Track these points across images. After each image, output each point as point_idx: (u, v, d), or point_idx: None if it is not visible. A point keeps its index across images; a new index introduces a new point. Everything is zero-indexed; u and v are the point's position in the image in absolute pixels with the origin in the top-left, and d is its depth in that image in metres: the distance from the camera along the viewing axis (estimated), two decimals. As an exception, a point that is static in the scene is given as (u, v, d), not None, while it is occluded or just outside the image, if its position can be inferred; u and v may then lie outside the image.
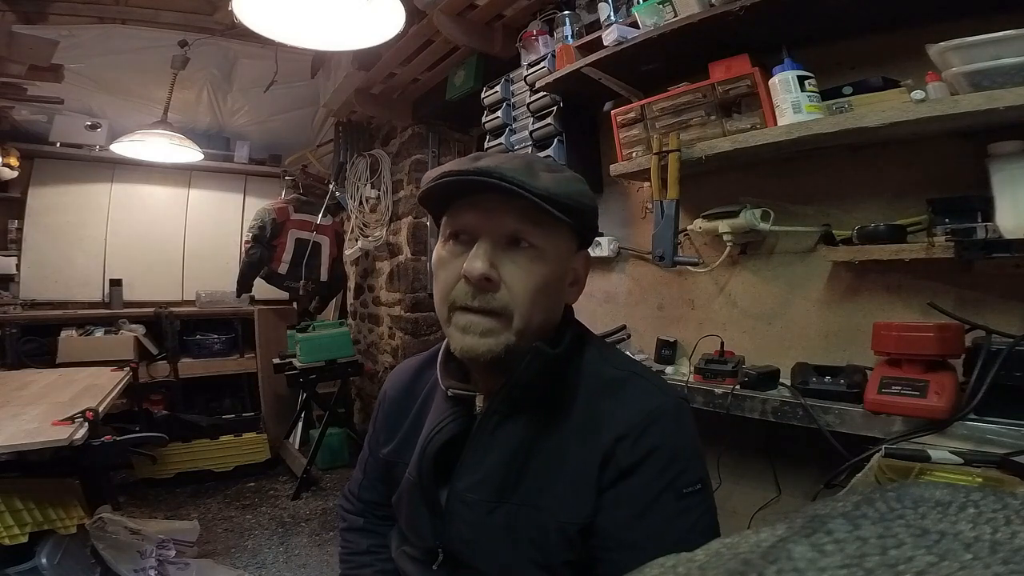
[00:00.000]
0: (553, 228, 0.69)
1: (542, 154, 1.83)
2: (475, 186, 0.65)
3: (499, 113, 2.07)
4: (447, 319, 0.71)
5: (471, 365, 0.74)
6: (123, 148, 3.09)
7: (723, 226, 1.43)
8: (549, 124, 1.85)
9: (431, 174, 0.70)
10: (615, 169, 1.60)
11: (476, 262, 0.65)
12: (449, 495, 0.71)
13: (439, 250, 0.72)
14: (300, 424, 3.64)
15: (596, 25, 1.64)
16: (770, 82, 1.26)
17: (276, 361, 3.32)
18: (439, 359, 0.80)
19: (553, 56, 1.75)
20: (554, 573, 0.66)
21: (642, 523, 0.64)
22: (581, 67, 1.58)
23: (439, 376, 0.77)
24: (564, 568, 0.66)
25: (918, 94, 1.06)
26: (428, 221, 3.09)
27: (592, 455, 0.66)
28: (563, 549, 0.65)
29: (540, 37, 1.88)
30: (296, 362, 3.13)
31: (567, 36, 1.76)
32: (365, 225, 3.38)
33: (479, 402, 0.74)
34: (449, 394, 0.74)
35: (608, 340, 1.64)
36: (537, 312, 0.69)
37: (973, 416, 0.96)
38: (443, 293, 0.70)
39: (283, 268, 3.47)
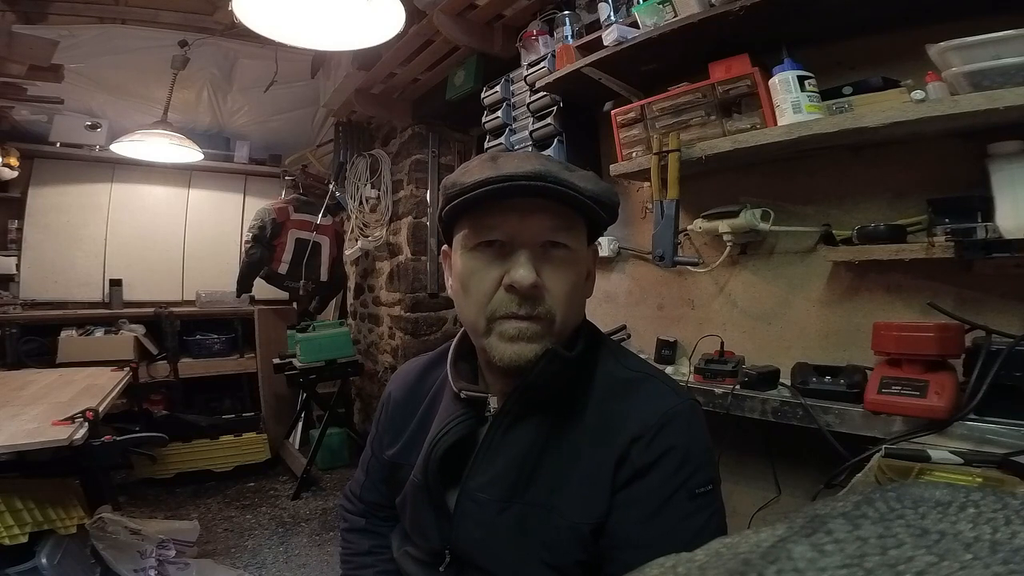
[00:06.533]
0: (580, 227, 0.69)
1: (543, 154, 1.83)
2: (523, 191, 0.63)
3: (499, 113, 2.07)
4: (485, 330, 0.68)
5: (499, 370, 0.71)
6: (123, 148, 3.08)
7: (723, 226, 1.43)
8: (549, 124, 1.85)
9: (461, 181, 0.66)
10: (615, 169, 1.60)
11: (522, 271, 0.64)
12: (460, 494, 0.71)
13: (466, 260, 0.69)
14: (300, 424, 3.64)
15: (596, 25, 1.63)
16: (770, 82, 1.26)
17: (276, 361, 3.32)
18: (449, 360, 0.79)
19: (553, 56, 1.75)
20: (564, 573, 0.66)
21: (654, 523, 0.64)
22: (581, 67, 1.57)
23: (450, 378, 0.76)
24: (575, 568, 0.66)
25: (918, 94, 1.06)
26: (428, 221, 3.09)
27: (607, 456, 0.66)
28: (575, 549, 0.65)
29: (540, 37, 1.88)
30: (296, 362, 3.13)
31: (567, 36, 1.76)
32: (365, 225, 3.38)
33: (493, 403, 0.73)
34: (462, 396, 0.73)
35: (608, 340, 1.64)
36: (572, 312, 0.70)
37: (973, 416, 0.96)
38: (480, 304, 0.68)
39: (283, 268, 3.47)
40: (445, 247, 0.77)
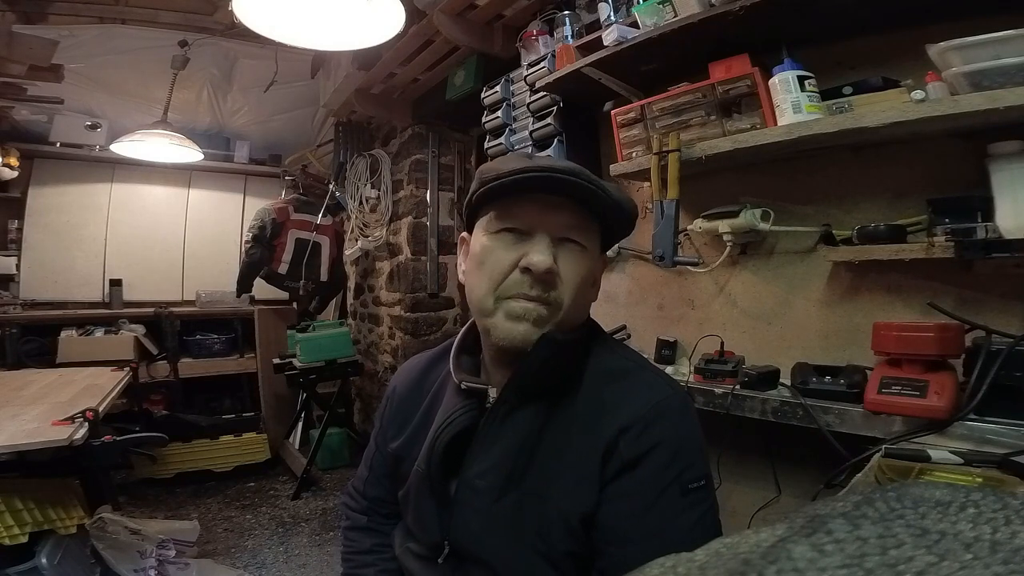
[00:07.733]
0: (594, 230, 0.72)
1: (541, 154, 1.84)
2: (559, 183, 0.66)
3: (499, 113, 2.07)
4: (492, 309, 0.70)
5: (496, 357, 0.74)
6: (123, 148, 3.08)
7: (723, 226, 1.43)
8: (549, 124, 1.85)
9: (499, 168, 0.70)
10: (615, 169, 1.60)
11: (540, 256, 0.67)
12: (459, 483, 0.72)
13: (486, 242, 0.71)
14: (300, 424, 3.64)
15: (596, 25, 1.64)
16: (770, 82, 1.26)
17: (276, 361, 3.32)
18: (452, 354, 0.80)
19: (553, 56, 1.75)
20: (556, 564, 0.66)
21: (646, 518, 0.63)
22: (581, 67, 1.58)
23: (451, 370, 0.78)
24: (566, 559, 0.66)
25: (918, 94, 1.06)
26: (428, 221, 3.09)
27: (594, 443, 0.66)
28: (565, 539, 0.65)
29: (540, 37, 1.88)
30: (296, 362, 3.13)
31: (567, 36, 1.76)
32: (365, 225, 3.38)
33: (493, 394, 0.74)
34: (463, 387, 0.74)
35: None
36: (577, 305, 0.71)
37: (973, 416, 0.96)
38: (493, 281, 0.70)
39: (283, 268, 3.47)
40: (464, 234, 0.80)
